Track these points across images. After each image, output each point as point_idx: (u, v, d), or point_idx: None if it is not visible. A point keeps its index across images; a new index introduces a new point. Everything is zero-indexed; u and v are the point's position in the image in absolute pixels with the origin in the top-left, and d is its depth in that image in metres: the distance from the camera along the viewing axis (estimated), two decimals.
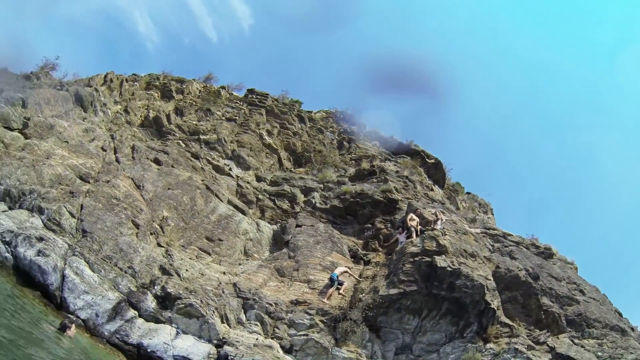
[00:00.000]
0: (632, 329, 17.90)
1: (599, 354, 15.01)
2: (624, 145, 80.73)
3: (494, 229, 21.19)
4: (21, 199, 12.73)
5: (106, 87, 19.97)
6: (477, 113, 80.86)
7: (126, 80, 21.85)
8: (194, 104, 24.05)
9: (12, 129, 14.77)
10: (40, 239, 11.57)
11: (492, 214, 27.57)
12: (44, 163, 13.96)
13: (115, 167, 16.07)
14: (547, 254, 20.54)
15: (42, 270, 11.03)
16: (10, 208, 12.59)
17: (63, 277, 11.28)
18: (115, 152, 16.93)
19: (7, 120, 14.85)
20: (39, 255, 11.18)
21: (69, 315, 10.65)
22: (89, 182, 14.59)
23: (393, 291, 14.57)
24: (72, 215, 13.01)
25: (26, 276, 10.97)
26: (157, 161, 18.06)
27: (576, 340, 15.53)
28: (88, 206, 13.61)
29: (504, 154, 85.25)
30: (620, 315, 18.91)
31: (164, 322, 12.05)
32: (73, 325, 9.77)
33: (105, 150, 16.53)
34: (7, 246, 11.19)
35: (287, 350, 13.38)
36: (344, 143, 26.54)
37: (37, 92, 16.24)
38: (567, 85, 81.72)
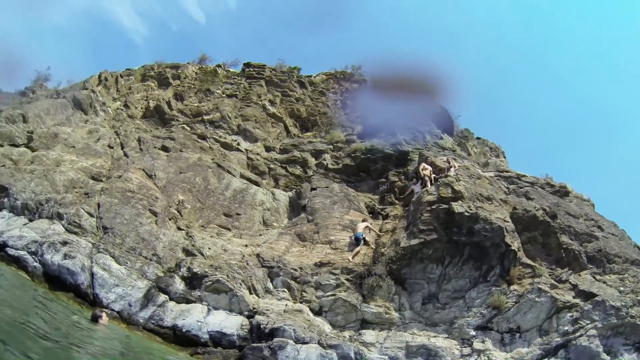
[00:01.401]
0: None
1: (621, 288, 14.86)
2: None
3: (507, 171, 20.96)
4: (39, 209, 13.12)
5: (102, 86, 20.20)
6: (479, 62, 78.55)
7: (121, 76, 22.02)
8: (193, 86, 24.13)
9: (18, 145, 15.13)
10: (65, 243, 11.98)
11: (504, 157, 27.24)
12: (55, 171, 14.34)
13: (125, 162, 16.43)
14: (562, 192, 20.29)
15: (71, 272, 11.46)
16: (30, 220, 13.01)
17: (92, 274, 11.70)
18: (122, 148, 17.27)
19: (11, 138, 15.20)
20: (65, 259, 11.59)
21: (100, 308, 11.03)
22: (101, 181, 14.98)
23: (414, 242, 14.54)
24: (91, 215, 13.43)
25: (57, 280, 11.39)
26: (164, 148, 18.37)
27: (598, 277, 15.37)
28: (105, 204, 14.01)
29: (510, 97, 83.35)
30: None
31: (194, 302, 12.41)
32: (104, 314, 10.17)
33: (112, 148, 16.87)
34: (34, 256, 11.61)
35: (317, 312, 13.66)
36: (348, 102, 26.38)
37: (36, 105, 16.53)
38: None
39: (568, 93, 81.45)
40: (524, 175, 20.38)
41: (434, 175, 17.23)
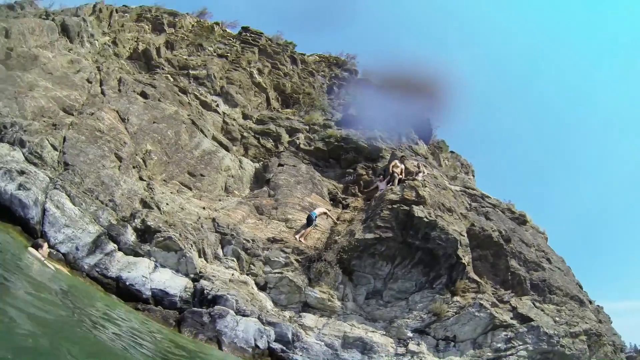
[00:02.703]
0: (590, 302, 18.27)
1: (557, 319, 15.24)
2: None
3: (473, 189, 21.03)
4: (2, 132, 11.96)
5: (95, 17, 18.83)
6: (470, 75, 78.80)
7: (116, 11, 20.64)
8: (186, 38, 23.02)
9: None
10: (22, 173, 10.98)
11: (473, 176, 27.36)
12: (27, 95, 13.17)
13: (100, 100, 15.39)
14: (520, 220, 20.58)
15: (22, 204, 10.51)
16: None
17: (44, 210, 10.82)
18: (101, 85, 16.14)
19: None
20: (19, 189, 10.61)
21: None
22: (72, 115, 13.92)
23: (369, 236, 14.47)
24: (55, 148, 12.42)
25: (7, 211, 10.42)
26: (143, 94, 17.34)
27: (537, 304, 15.72)
28: (71, 139, 13.02)
29: (493, 121, 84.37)
30: (581, 287, 19.22)
31: (142, 256, 11.78)
32: (45, 245, 9.45)
33: (90, 83, 15.70)
34: None
35: (262, 287, 13.38)
36: (334, 88, 25.82)
37: (22, 22, 15.05)
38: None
39: (552, 129, 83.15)
40: (487, 196, 20.53)
41: (402, 176, 17.09)
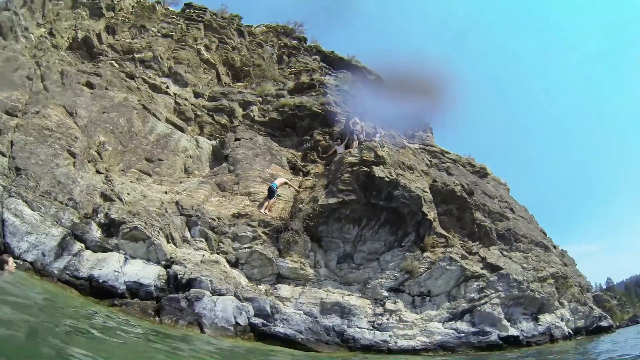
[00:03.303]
0: (554, 247, 19.18)
1: (524, 265, 15.97)
2: None
3: (432, 146, 21.30)
4: None
5: (27, 9, 17.58)
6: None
7: None
8: (127, 21, 21.99)
9: None
10: None
11: (432, 133, 27.77)
12: None
13: (44, 96, 14.63)
14: (482, 173, 21.05)
15: None
16: None
17: (2, 221, 10.36)
18: (42, 80, 15.30)
19: None
20: None
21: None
22: (17, 116, 13.19)
23: (332, 200, 14.47)
24: (3, 155, 11.82)
25: None
26: (89, 85, 16.60)
27: (505, 253, 16.35)
28: (19, 142, 12.41)
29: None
30: (545, 234, 20.10)
31: (111, 250, 11.56)
32: (10, 259, 8.84)
33: (31, 80, 14.86)
34: None
35: (234, 264, 13.35)
36: (284, 57, 25.37)
37: None
38: None
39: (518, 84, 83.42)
40: (447, 152, 20.86)
41: (362, 134, 17.13)
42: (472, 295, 14.26)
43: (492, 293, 14.34)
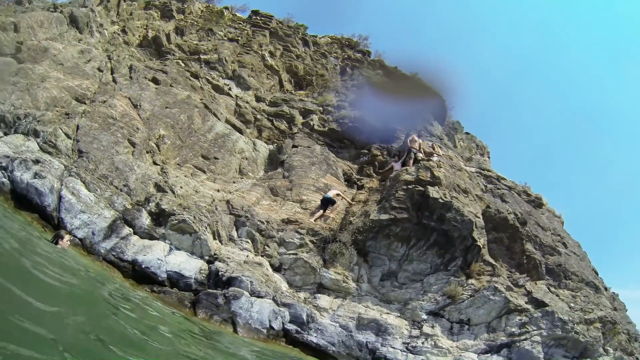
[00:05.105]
0: (605, 289, 18.14)
1: (572, 304, 15.14)
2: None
3: (488, 170, 20.93)
4: (16, 124, 12.56)
5: (103, 7, 19.36)
6: (488, 59, 77.22)
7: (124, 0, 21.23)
8: (195, 24, 23.43)
9: (4, 55, 14.41)
10: (37, 162, 11.52)
11: (489, 157, 27.31)
12: (39, 86, 13.74)
13: (112, 87, 15.90)
14: (537, 203, 20.41)
15: (39, 192, 11.03)
16: (5, 134, 12.45)
17: (60, 197, 11.30)
18: (112, 73, 16.68)
19: None
20: (35, 178, 11.12)
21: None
22: (85, 103, 14.45)
23: (384, 216, 14.51)
24: (68, 137, 12.96)
25: (24, 199, 10.96)
26: (155, 80, 17.84)
27: (552, 289, 15.62)
28: (84, 127, 13.54)
29: (510, 103, 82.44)
30: (597, 273, 19.07)
31: (157, 239, 12.14)
32: (67, 236, 9.90)
33: (101, 71, 16.25)
34: (3, 171, 11.09)
35: (276, 269, 13.61)
36: (347, 69, 25.91)
37: (30, 16, 15.64)
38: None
39: (567, 110, 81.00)
40: (503, 178, 20.43)
41: (420, 152, 17.17)
42: (513, 329, 13.67)
43: (533, 330, 13.67)
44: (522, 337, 13.48)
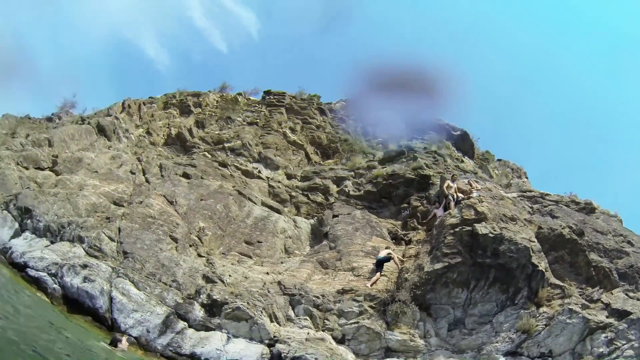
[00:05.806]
0: None
1: None
2: None
3: (530, 191, 20.63)
4: (61, 232, 13.19)
5: (125, 113, 20.44)
6: (492, 75, 78.50)
7: (143, 103, 22.29)
8: (214, 114, 24.33)
9: (42, 169, 15.42)
10: (85, 266, 11.94)
11: (527, 177, 26.86)
12: (78, 195, 14.45)
13: (146, 188, 16.45)
14: (588, 209, 19.80)
15: (90, 295, 11.36)
16: (52, 242, 13.07)
17: (111, 299, 11.56)
18: (144, 174, 17.33)
19: (36, 161, 15.55)
20: (85, 282, 11.51)
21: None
22: (123, 206, 15.00)
23: (438, 266, 14.29)
24: (112, 239, 13.37)
25: (75, 303, 11.30)
26: (186, 175, 18.36)
27: (631, 294, 14.82)
28: (125, 228, 13.97)
29: (521, 116, 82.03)
30: None
31: (214, 329, 12.15)
32: (124, 338, 10.00)
33: (134, 174, 16.95)
34: (54, 278, 11.58)
35: (340, 341, 13.26)
36: (369, 128, 26.34)
37: (61, 130, 16.84)
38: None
39: (588, 101, 79.36)
40: (547, 194, 19.98)
41: (457, 195, 17.01)
42: (601, 349, 12.72)
43: (623, 344, 12.68)
44: (613, 355, 12.58)
